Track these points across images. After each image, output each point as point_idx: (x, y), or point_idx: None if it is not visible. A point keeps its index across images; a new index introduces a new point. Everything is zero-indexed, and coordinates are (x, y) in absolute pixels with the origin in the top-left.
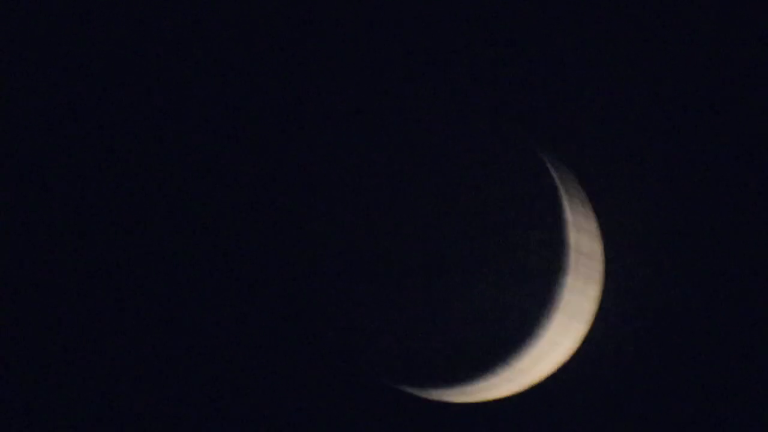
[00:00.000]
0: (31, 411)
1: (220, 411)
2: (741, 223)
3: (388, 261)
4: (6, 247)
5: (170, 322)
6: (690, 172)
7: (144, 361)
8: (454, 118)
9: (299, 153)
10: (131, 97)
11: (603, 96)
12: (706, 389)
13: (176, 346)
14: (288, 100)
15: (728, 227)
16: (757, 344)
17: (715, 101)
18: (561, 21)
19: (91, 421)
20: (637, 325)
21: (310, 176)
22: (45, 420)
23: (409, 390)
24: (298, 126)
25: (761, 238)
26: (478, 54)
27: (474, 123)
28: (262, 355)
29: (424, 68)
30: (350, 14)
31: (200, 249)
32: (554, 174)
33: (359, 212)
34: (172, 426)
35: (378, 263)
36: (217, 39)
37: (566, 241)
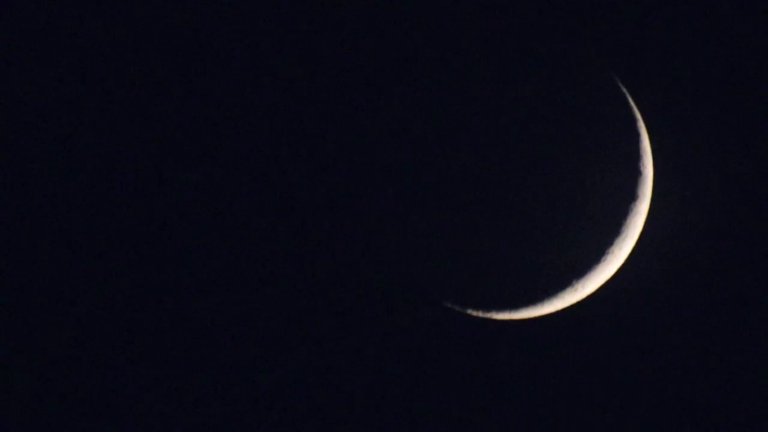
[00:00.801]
0: (31, 411)
1: (286, 337)
2: None
3: (461, 185)
4: (6, 247)
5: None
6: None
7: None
8: (523, 43)
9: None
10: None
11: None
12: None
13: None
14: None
15: None
16: None
17: None
18: None
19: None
20: (681, 242)
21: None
22: (45, 420)
23: (473, 313)
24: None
25: None
26: None
27: (546, 48)
28: (331, 283)
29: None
30: None
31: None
32: (630, 100)
33: (429, 137)
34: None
35: (451, 188)
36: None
37: (641, 170)
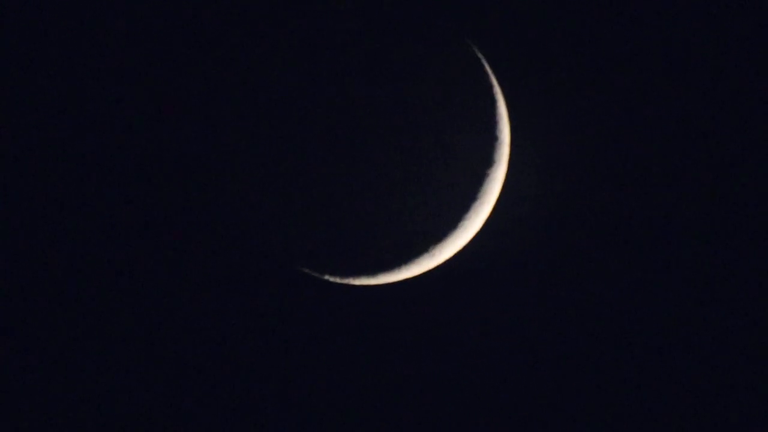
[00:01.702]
0: (31, 411)
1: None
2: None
3: (319, 150)
4: (6, 247)
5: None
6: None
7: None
8: (385, 15)
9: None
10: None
11: None
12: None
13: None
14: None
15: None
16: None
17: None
18: None
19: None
20: (534, 206)
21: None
22: (46, 420)
23: (331, 279)
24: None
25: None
26: None
27: (407, 19)
28: (182, 253)
29: None
30: None
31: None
32: (488, 69)
33: (289, 99)
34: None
35: (308, 152)
36: None
37: (498, 135)
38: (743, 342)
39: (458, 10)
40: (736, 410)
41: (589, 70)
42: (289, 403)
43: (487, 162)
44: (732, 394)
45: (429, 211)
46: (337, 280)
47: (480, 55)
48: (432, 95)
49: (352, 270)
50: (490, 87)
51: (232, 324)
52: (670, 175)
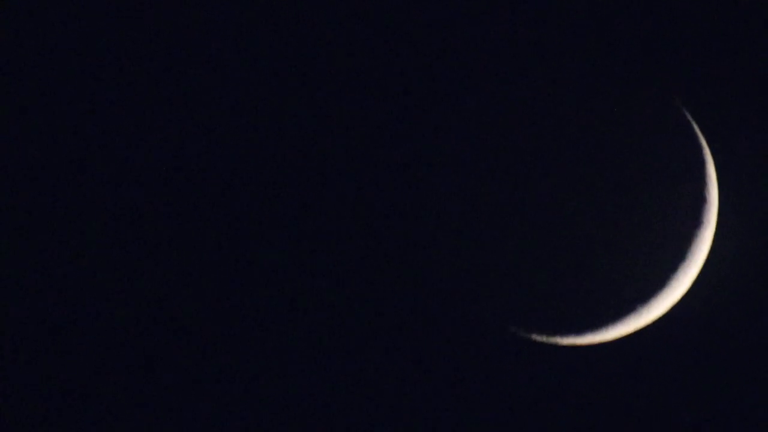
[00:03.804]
0: (31, 411)
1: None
2: None
3: (522, 212)
4: (7, 247)
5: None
6: None
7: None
8: (586, 76)
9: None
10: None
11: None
12: None
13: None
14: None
15: None
16: None
17: None
18: None
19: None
20: (743, 269)
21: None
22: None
23: (537, 338)
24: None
25: None
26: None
27: (613, 76)
28: (392, 310)
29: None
30: None
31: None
32: (696, 127)
33: (494, 163)
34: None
35: (512, 215)
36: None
37: (708, 197)
38: None
39: (668, 69)
40: None
41: None
42: None
43: (695, 223)
44: None
45: (637, 271)
46: (544, 339)
47: (689, 116)
48: (642, 156)
49: (558, 329)
50: (700, 148)
51: (436, 382)
52: None
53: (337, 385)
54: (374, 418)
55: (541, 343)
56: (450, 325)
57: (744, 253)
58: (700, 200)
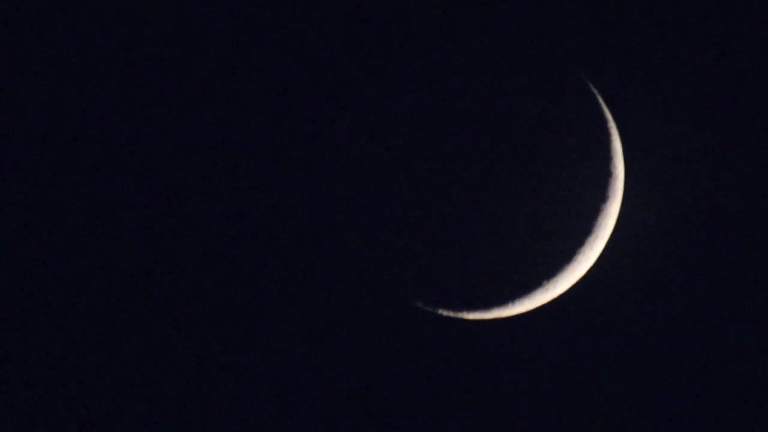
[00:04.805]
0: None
1: (255, 338)
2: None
3: (429, 186)
4: (6, 248)
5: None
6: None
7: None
8: (493, 49)
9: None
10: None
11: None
12: (704, 313)
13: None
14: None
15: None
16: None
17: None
18: None
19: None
20: (649, 242)
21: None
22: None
23: (444, 312)
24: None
25: None
26: None
27: (515, 52)
28: (300, 284)
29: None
30: None
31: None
32: (601, 101)
33: (401, 137)
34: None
35: (418, 188)
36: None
37: (614, 171)
38: None
39: (571, 43)
40: None
41: (707, 105)
42: None
43: (601, 197)
44: None
45: (542, 245)
46: (450, 314)
47: (594, 89)
48: (545, 130)
49: (465, 304)
50: (605, 121)
51: (343, 356)
52: None
53: (241, 358)
54: (281, 395)
55: (448, 318)
56: (354, 300)
57: (650, 227)
58: (606, 174)
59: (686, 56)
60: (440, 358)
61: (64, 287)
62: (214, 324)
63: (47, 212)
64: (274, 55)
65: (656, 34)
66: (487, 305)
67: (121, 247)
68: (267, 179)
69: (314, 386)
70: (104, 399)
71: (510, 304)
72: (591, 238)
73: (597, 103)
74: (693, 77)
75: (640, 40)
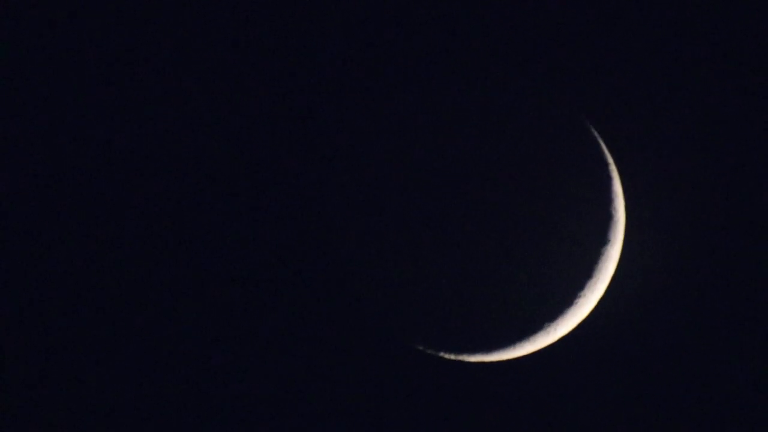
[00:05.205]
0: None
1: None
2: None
3: (431, 229)
4: (7, 248)
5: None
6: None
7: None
8: (494, 86)
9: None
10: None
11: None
12: (712, 352)
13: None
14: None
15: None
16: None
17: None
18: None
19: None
20: (650, 285)
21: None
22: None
23: (446, 355)
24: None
25: None
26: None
27: (519, 94)
28: (302, 327)
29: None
30: None
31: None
32: (602, 144)
33: (398, 180)
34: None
35: (420, 231)
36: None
37: (615, 215)
38: None
39: (573, 87)
40: None
41: (710, 150)
42: None
43: (602, 240)
44: None
45: (544, 289)
46: (452, 357)
47: (595, 133)
48: (547, 172)
49: (466, 347)
50: (606, 165)
51: (346, 399)
52: None
53: (247, 397)
54: None
55: (450, 361)
56: (357, 342)
57: (650, 270)
58: (607, 218)
59: (687, 101)
60: (442, 401)
61: (63, 288)
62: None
63: (46, 212)
64: (273, 57)
65: (657, 79)
66: (489, 348)
67: (121, 247)
68: (273, 217)
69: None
70: (104, 399)
71: (511, 347)
72: (592, 281)
73: (598, 146)
74: (694, 121)
75: (642, 85)
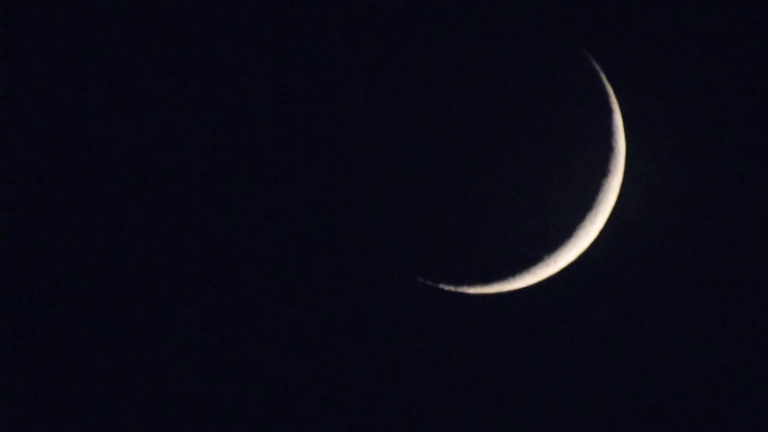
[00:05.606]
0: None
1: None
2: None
3: (430, 162)
4: (7, 248)
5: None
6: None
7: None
8: (496, 23)
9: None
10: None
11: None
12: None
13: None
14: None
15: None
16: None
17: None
18: None
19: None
20: (650, 217)
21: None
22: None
23: (445, 287)
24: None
25: None
26: None
27: (519, 27)
28: (302, 262)
29: None
30: None
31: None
32: (603, 77)
33: (398, 113)
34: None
35: (419, 164)
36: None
37: (615, 146)
38: None
39: (575, 20)
40: None
41: (709, 82)
42: (402, 409)
43: (602, 172)
44: None
45: (544, 220)
46: (452, 288)
47: (596, 66)
48: (547, 105)
49: (466, 279)
50: (607, 97)
51: (346, 332)
52: None
53: (244, 336)
54: (284, 370)
55: (449, 292)
56: (357, 274)
57: (650, 203)
58: (607, 149)
59: (688, 32)
60: (442, 332)
61: (64, 287)
62: (222, 302)
63: (46, 212)
64: (272, 53)
65: (659, 10)
66: (488, 279)
67: (121, 247)
68: (267, 162)
69: (317, 365)
70: (104, 399)
71: (511, 278)
72: (592, 213)
73: (599, 78)
74: (696, 54)
75: (643, 15)
